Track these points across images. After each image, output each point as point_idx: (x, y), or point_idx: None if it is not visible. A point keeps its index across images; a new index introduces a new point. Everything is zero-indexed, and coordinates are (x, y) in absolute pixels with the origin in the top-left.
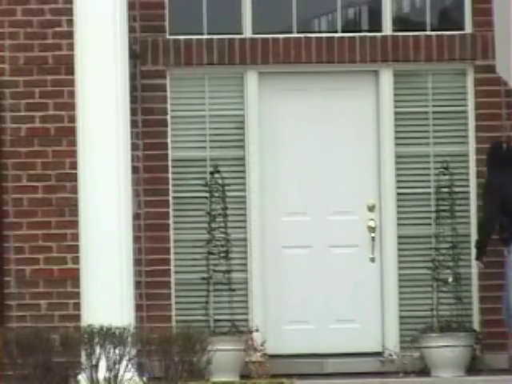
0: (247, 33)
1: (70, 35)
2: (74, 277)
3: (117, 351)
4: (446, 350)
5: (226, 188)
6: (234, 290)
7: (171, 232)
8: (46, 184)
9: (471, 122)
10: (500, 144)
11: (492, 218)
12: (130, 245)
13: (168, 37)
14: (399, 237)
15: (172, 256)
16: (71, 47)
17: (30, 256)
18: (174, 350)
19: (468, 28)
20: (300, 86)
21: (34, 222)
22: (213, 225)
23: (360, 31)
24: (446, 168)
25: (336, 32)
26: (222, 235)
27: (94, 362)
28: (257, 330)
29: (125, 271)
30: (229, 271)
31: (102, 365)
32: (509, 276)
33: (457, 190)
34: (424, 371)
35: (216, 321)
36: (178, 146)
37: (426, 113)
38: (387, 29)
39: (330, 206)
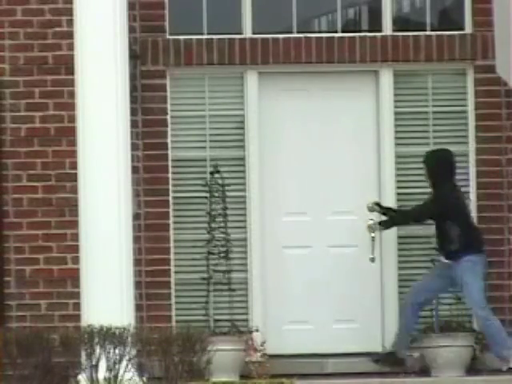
0: (247, 33)
1: (70, 35)
2: (73, 277)
3: (117, 351)
4: (446, 350)
5: (226, 188)
6: (233, 290)
7: (171, 232)
8: (46, 184)
9: (471, 122)
10: (449, 153)
11: (420, 221)
12: (130, 245)
13: (168, 37)
14: (399, 237)
15: (172, 256)
16: (71, 47)
17: (29, 256)
18: (174, 350)
19: (468, 28)
20: (300, 86)
21: (33, 222)
22: (213, 225)
23: (360, 31)
24: None
25: (336, 32)
26: (222, 235)
27: (94, 362)
28: (257, 330)
29: (125, 271)
30: (229, 271)
31: (102, 365)
32: (428, 283)
33: None
34: (424, 371)
35: (216, 321)
36: (178, 146)
37: (426, 113)
38: (387, 29)
39: (329, 206)
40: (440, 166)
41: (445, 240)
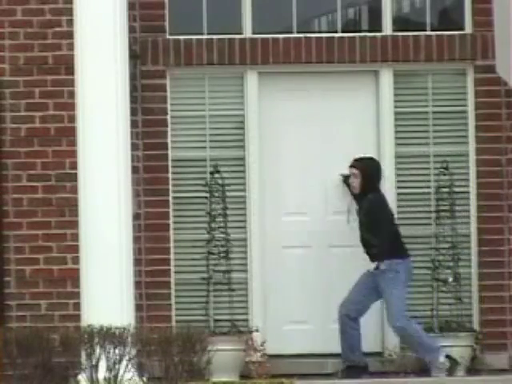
0: (247, 33)
1: (70, 35)
2: (73, 277)
3: (117, 351)
4: (446, 350)
5: (226, 188)
6: (233, 290)
7: (171, 232)
8: (46, 184)
9: (471, 122)
10: (377, 161)
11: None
12: (130, 245)
13: (168, 37)
14: None
15: (172, 256)
16: (71, 47)
17: (29, 256)
18: (174, 350)
19: (468, 28)
20: (300, 86)
21: (33, 222)
22: (213, 225)
23: (360, 31)
24: (445, 168)
25: (336, 32)
26: (222, 235)
27: (93, 362)
28: (257, 330)
29: (125, 271)
30: (229, 271)
31: (102, 365)
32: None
33: (457, 190)
34: (424, 371)
35: (216, 321)
36: (178, 146)
37: (426, 113)
38: (387, 29)
39: (329, 206)
40: (374, 173)
41: (371, 245)
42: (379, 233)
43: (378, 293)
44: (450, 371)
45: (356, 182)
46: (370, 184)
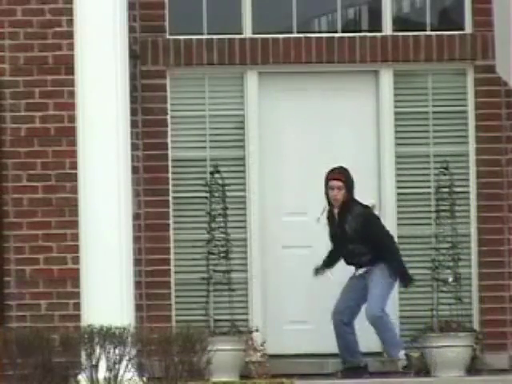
0: (247, 33)
1: (70, 35)
2: (74, 277)
3: (117, 351)
4: (446, 350)
5: (226, 188)
6: (233, 290)
7: (171, 232)
8: (46, 184)
9: (471, 122)
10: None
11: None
12: (130, 245)
13: (168, 37)
14: (399, 237)
15: (172, 256)
16: (71, 47)
17: (30, 256)
18: (174, 350)
19: (468, 28)
20: (300, 86)
21: (34, 222)
22: (213, 225)
23: (360, 31)
24: (445, 168)
25: (336, 32)
26: (222, 235)
27: (94, 362)
28: (257, 330)
29: (125, 271)
30: (229, 271)
31: (102, 365)
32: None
33: (457, 190)
34: (424, 371)
35: (216, 321)
36: (178, 146)
37: (426, 113)
38: (387, 29)
39: None
40: (353, 180)
41: (362, 253)
42: (381, 242)
43: (366, 294)
44: (404, 370)
45: (340, 195)
46: (351, 193)
